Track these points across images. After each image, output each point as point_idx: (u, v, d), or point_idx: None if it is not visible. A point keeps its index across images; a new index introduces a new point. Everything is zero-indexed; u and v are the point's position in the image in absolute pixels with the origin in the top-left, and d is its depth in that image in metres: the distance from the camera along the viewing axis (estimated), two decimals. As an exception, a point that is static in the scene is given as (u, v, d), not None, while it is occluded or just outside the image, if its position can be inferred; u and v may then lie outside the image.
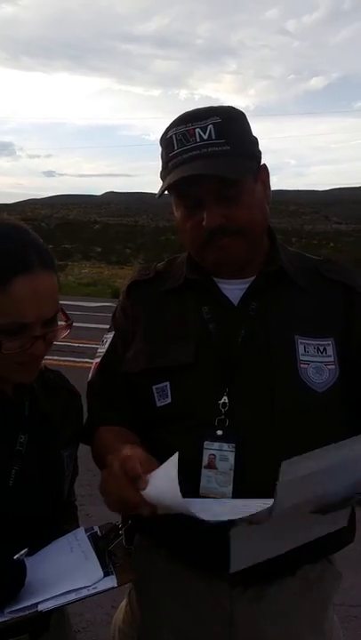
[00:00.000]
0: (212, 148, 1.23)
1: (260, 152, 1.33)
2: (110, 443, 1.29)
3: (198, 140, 1.23)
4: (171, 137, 1.27)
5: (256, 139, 1.34)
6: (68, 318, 1.21)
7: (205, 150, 1.23)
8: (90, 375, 1.46)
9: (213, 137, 1.23)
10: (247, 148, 1.28)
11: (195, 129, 1.24)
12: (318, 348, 1.28)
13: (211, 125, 1.23)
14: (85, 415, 1.44)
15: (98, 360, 1.45)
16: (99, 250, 42.63)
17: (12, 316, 1.09)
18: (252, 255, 1.33)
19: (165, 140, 1.29)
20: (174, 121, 1.28)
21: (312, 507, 1.03)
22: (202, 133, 1.23)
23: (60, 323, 1.20)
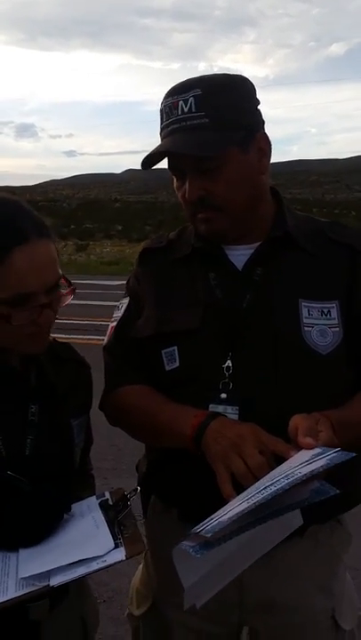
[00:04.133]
0: (190, 121, 1.24)
1: (256, 120, 1.32)
2: (162, 400, 1.33)
3: (180, 112, 1.25)
4: (161, 109, 1.30)
5: (253, 107, 1.32)
6: (70, 284, 1.22)
7: (184, 124, 1.25)
8: (105, 339, 1.49)
9: (193, 109, 1.24)
10: (231, 118, 1.26)
11: (178, 101, 1.26)
12: (323, 311, 1.29)
13: (192, 98, 1.24)
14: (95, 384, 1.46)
15: (114, 324, 1.48)
16: (120, 228, 42.63)
17: (15, 288, 1.11)
18: (242, 227, 1.34)
19: (159, 112, 1.32)
20: (166, 92, 1.30)
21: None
22: (183, 106, 1.25)
23: (63, 291, 1.21)
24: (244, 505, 0.96)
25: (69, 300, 1.22)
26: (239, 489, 1.09)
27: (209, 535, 0.93)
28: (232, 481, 1.12)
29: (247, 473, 1.09)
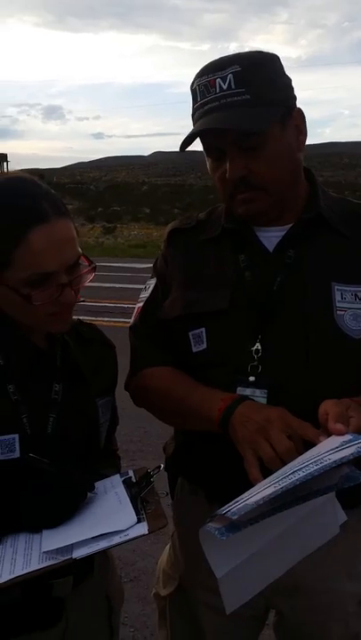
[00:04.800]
0: (230, 98, 1.22)
1: (291, 97, 1.30)
2: (188, 382, 1.32)
3: (218, 90, 1.22)
4: (195, 88, 1.27)
5: (288, 83, 1.30)
6: (90, 262, 1.21)
7: (224, 101, 1.22)
8: (132, 319, 1.49)
9: (233, 87, 1.21)
10: (271, 94, 1.24)
11: (215, 79, 1.23)
12: (357, 295, 1.27)
13: (230, 75, 1.21)
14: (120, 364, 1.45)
15: (140, 305, 1.48)
16: (147, 211, 42.56)
17: (34, 267, 1.11)
18: (281, 207, 1.31)
19: (192, 92, 1.29)
20: (199, 71, 1.27)
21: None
22: (222, 83, 1.22)
23: (83, 269, 1.20)
24: (271, 489, 0.96)
25: (90, 279, 1.21)
26: (266, 472, 1.09)
27: (235, 517, 0.93)
28: (259, 464, 1.11)
29: (275, 458, 1.09)
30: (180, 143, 1.31)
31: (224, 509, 0.95)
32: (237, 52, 1.29)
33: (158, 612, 1.58)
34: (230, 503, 0.97)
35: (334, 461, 0.97)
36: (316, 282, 1.29)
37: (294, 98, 1.31)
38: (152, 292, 1.46)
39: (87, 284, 1.21)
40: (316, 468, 0.96)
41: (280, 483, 0.97)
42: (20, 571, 1.04)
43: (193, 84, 1.28)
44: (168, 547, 1.58)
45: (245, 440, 1.14)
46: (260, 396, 1.25)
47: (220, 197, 1.36)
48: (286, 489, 0.95)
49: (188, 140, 1.28)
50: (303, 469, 0.98)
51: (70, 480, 1.17)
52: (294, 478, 0.96)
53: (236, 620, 1.41)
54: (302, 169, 1.37)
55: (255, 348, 1.27)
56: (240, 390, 1.26)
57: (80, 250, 1.18)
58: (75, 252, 1.16)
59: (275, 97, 1.25)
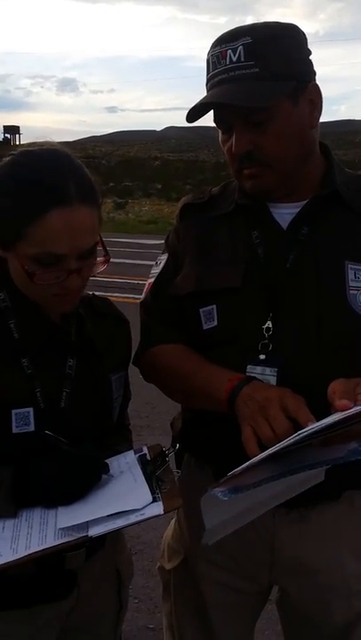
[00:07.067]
0: (239, 71, 1.19)
1: (307, 70, 1.26)
2: (196, 361, 1.32)
3: (228, 62, 1.20)
4: (208, 59, 1.26)
5: (305, 56, 1.26)
6: (107, 253, 1.19)
7: (233, 74, 1.20)
8: (143, 295, 1.48)
9: (242, 59, 1.19)
10: (283, 67, 1.21)
11: (226, 50, 1.20)
12: None
13: (241, 47, 1.19)
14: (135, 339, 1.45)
15: (151, 280, 1.47)
16: (159, 187, 42.23)
17: (45, 246, 1.09)
18: (290, 184, 1.29)
19: (206, 62, 1.27)
20: (214, 41, 1.25)
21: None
22: (232, 55, 1.20)
23: (99, 258, 1.19)
24: (276, 448, 0.98)
25: (101, 269, 1.19)
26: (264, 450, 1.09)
27: (238, 473, 0.95)
28: (258, 443, 1.11)
29: (273, 438, 1.09)
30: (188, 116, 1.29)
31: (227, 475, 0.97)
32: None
33: (163, 586, 1.60)
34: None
35: (337, 420, 0.98)
36: (329, 260, 1.27)
37: (312, 72, 1.28)
38: (163, 267, 1.45)
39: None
40: (320, 427, 0.98)
41: (284, 443, 0.99)
42: (35, 547, 1.04)
43: (208, 53, 1.26)
44: (173, 521, 1.59)
45: (246, 418, 1.14)
46: (270, 374, 1.24)
47: (230, 171, 1.34)
48: (287, 445, 0.96)
49: (194, 112, 1.27)
50: (308, 430, 0.99)
51: (85, 460, 1.17)
52: (298, 437, 0.98)
53: (240, 595, 1.43)
54: (317, 145, 1.34)
55: (266, 326, 1.26)
56: (250, 368, 1.25)
57: (98, 238, 1.16)
58: (90, 241, 1.14)
59: (286, 70, 1.21)
